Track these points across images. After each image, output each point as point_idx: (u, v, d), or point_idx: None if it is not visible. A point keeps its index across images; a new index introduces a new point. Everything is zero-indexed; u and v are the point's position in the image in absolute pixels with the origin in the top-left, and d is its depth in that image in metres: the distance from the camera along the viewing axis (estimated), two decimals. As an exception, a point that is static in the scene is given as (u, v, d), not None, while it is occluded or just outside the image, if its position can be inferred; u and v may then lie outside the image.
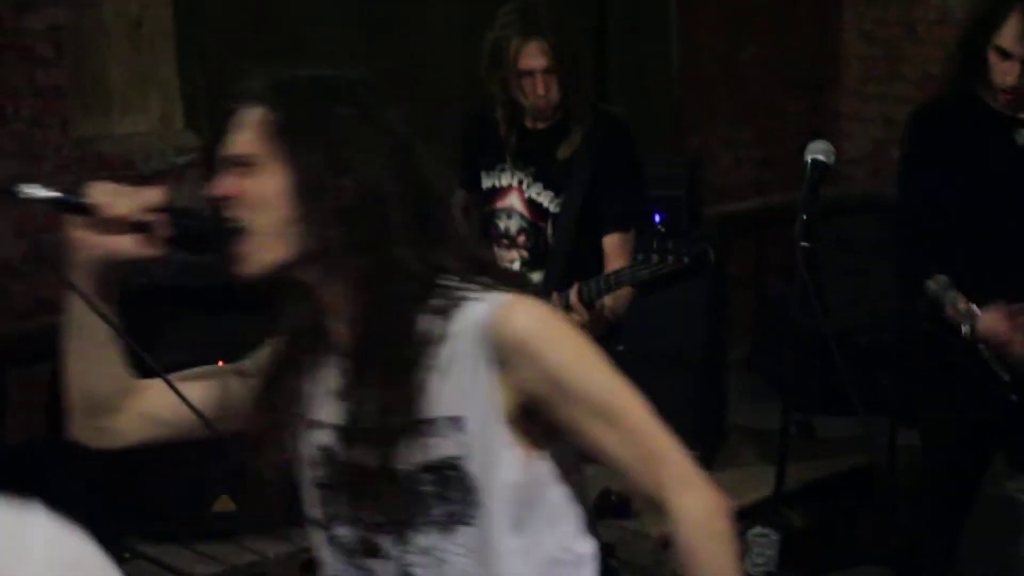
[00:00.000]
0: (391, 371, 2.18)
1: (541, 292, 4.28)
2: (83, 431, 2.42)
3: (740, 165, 7.86)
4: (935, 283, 4.37)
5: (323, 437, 2.30)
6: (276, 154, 2.19)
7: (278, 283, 2.27)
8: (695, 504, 2.19)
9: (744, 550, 3.51)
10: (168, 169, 5.82)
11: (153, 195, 2.23)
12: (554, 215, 4.55)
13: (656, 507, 2.22)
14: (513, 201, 4.62)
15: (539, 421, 2.22)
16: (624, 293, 4.37)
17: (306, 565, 4.99)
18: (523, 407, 2.20)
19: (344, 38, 6.27)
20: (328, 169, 2.17)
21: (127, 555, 4.89)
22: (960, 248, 4.38)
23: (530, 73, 4.41)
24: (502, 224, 4.63)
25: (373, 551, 2.28)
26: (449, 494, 2.21)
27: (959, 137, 4.34)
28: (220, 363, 2.44)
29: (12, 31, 5.47)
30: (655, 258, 4.13)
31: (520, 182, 4.59)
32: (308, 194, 2.17)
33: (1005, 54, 4.19)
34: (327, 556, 2.38)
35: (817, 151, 3.87)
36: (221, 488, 5.02)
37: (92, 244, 2.24)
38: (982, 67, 4.25)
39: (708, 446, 6.13)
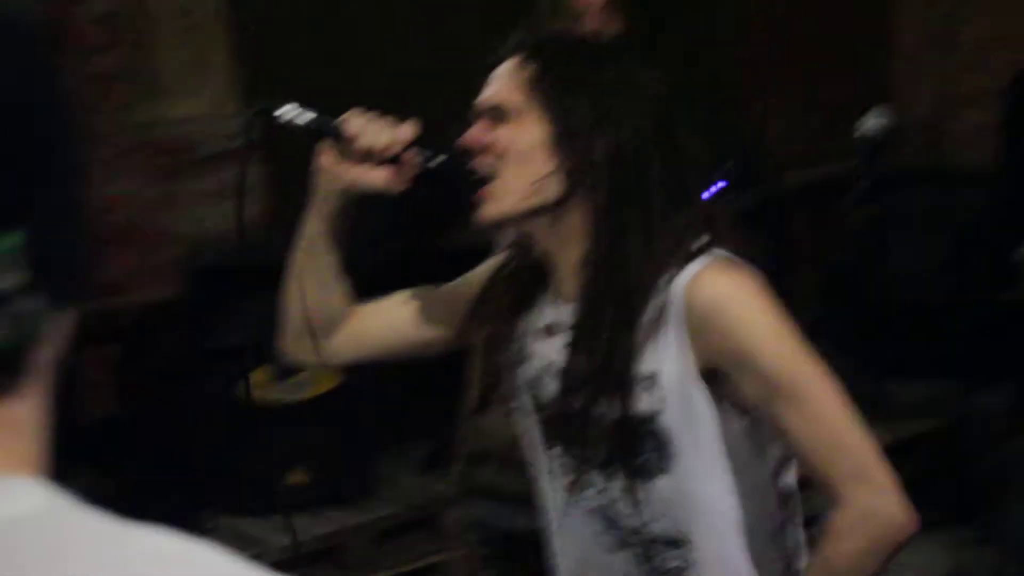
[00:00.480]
0: (613, 327, 2.19)
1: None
2: (298, 349, 2.49)
3: (794, 137, 7.80)
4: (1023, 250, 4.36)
5: (531, 372, 2.35)
6: (536, 105, 2.21)
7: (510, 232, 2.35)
8: (868, 500, 2.15)
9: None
10: (223, 152, 5.82)
11: (407, 131, 2.25)
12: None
13: (827, 496, 2.18)
14: None
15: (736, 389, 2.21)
16: None
17: (382, 535, 5.02)
18: (713, 372, 2.18)
19: (400, 17, 6.24)
20: (588, 123, 2.18)
21: (208, 526, 4.90)
22: None
23: (586, 8, 4.35)
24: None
25: (586, 481, 2.31)
26: (648, 445, 2.22)
27: None
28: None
29: (65, 19, 5.48)
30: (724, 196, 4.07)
31: None
32: (565, 147, 2.19)
33: None
34: (543, 482, 2.42)
35: (875, 121, 3.83)
36: (294, 460, 5.03)
37: (340, 173, 2.28)
38: None
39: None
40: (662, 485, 2.23)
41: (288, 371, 4.97)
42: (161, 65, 5.84)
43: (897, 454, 5.85)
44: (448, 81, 6.13)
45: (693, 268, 2.18)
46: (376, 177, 2.26)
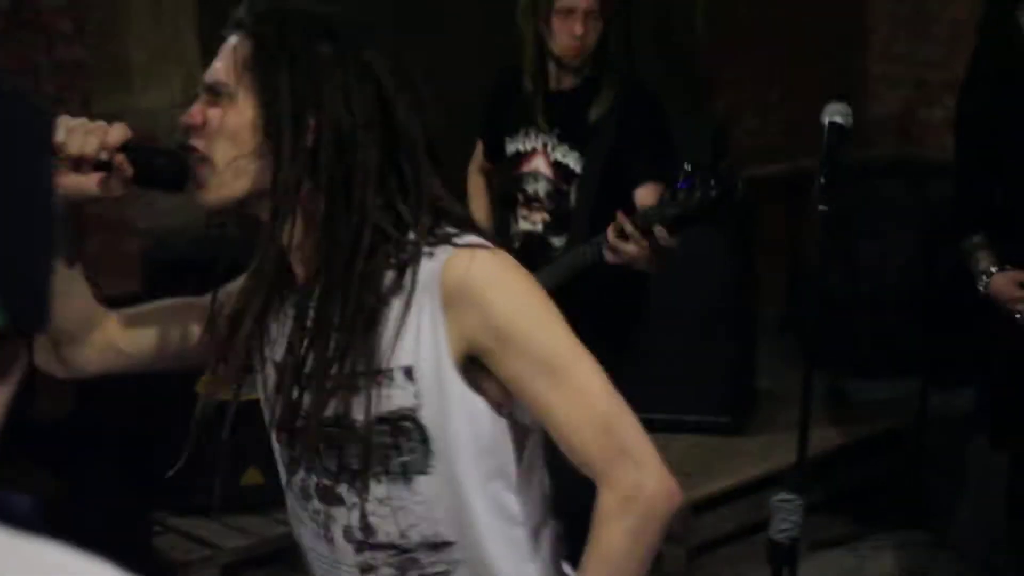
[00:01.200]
0: (346, 320, 2.14)
1: (512, 248, 4.23)
2: (48, 361, 2.40)
3: (767, 128, 7.81)
4: (968, 242, 4.41)
5: (270, 380, 2.30)
6: (247, 85, 2.16)
7: (241, 219, 2.25)
8: (634, 479, 2.10)
9: (770, 516, 3.49)
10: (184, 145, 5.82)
11: (117, 132, 2.18)
12: (578, 175, 4.50)
13: (591, 476, 2.14)
14: (538, 164, 4.57)
15: (492, 376, 2.16)
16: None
17: (226, 569, 4.98)
18: (470, 358, 2.14)
19: (376, 10, 6.23)
20: (294, 104, 2.13)
21: (158, 528, 4.91)
22: (1005, 210, 4.39)
23: (571, 11, 4.35)
24: (529, 188, 4.58)
25: (333, 498, 2.24)
26: (404, 445, 2.16)
27: (1005, 98, 4.30)
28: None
29: (32, 8, 5.46)
30: (681, 195, 4.05)
31: (545, 145, 4.54)
32: (271, 128, 2.13)
33: None
34: (290, 500, 2.35)
35: (835, 113, 3.82)
36: (249, 461, 5.02)
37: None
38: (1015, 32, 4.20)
39: (738, 412, 6.12)
40: (424, 485, 2.17)
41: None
42: (129, 54, 5.83)
43: (856, 454, 5.94)
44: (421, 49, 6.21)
45: (443, 253, 2.13)
46: (89, 184, 2.17)
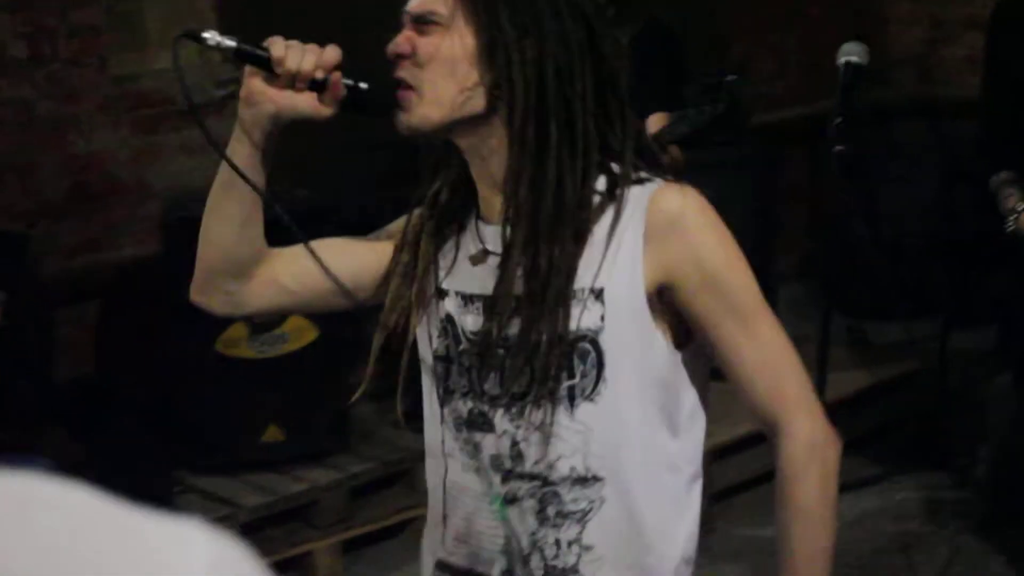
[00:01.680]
0: (551, 241, 2.15)
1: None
2: (210, 295, 2.37)
3: (786, 73, 7.77)
4: (996, 179, 4.38)
5: (451, 306, 2.29)
6: (461, 14, 2.17)
7: (434, 146, 2.29)
8: (810, 428, 2.18)
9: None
10: (208, 103, 5.82)
11: (332, 53, 2.21)
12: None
13: (764, 423, 2.21)
14: None
15: (678, 314, 2.19)
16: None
17: (356, 492, 5.04)
18: (663, 290, 2.16)
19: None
20: (513, 34, 2.16)
21: (178, 488, 4.94)
22: None
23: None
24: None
25: (485, 425, 2.24)
26: (578, 368, 2.17)
27: None
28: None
29: (46, -29, 5.47)
30: (691, 112, 4.07)
31: None
32: (489, 57, 2.16)
33: None
34: (435, 433, 2.33)
35: (850, 52, 3.81)
36: (270, 418, 5.06)
37: (267, 99, 2.21)
38: None
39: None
40: (586, 413, 2.18)
41: (264, 326, 5.00)
42: (144, 16, 5.83)
43: (878, 396, 5.94)
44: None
45: (652, 184, 2.18)
46: (303, 101, 2.20)
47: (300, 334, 5.06)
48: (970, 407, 5.83)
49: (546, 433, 2.19)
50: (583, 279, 2.15)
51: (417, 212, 2.34)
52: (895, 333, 6.24)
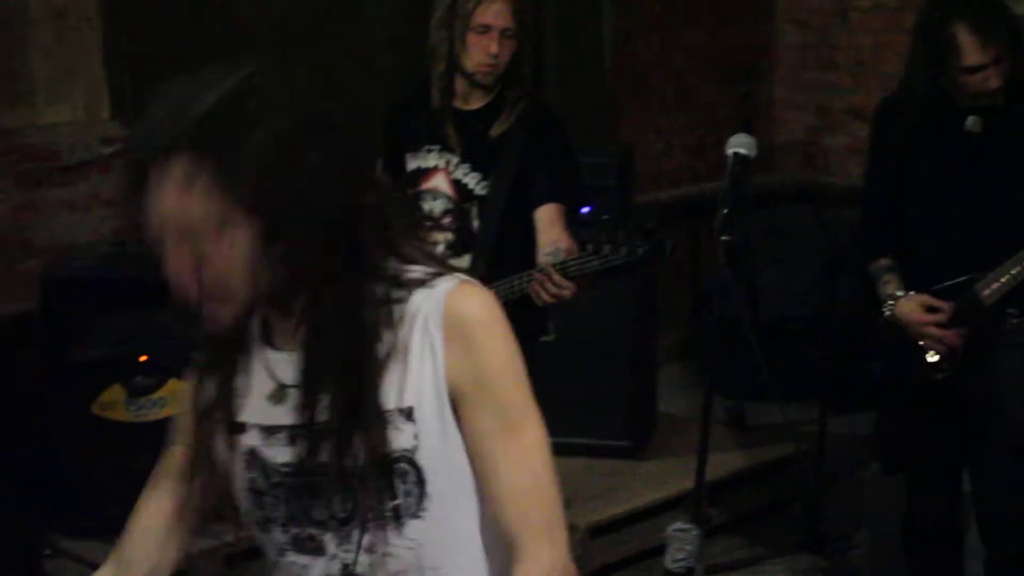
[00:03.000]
0: (347, 365, 2.07)
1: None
2: None
3: (673, 153, 7.85)
4: (875, 265, 4.46)
5: (253, 440, 2.19)
6: (230, 208, 1.97)
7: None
8: (549, 557, 2.12)
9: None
10: (93, 160, 5.76)
11: None
12: (480, 197, 4.51)
13: (508, 542, 2.14)
14: (439, 182, 4.55)
15: None
16: (565, 236, 4.36)
17: (230, 559, 4.96)
18: (453, 399, 2.11)
19: (278, 26, 6.21)
20: (288, 204, 2.00)
21: (48, 552, 4.85)
22: (912, 234, 4.44)
23: (487, 29, 4.35)
24: (427, 206, 4.56)
25: (315, 549, 2.18)
26: (399, 488, 2.11)
27: (915, 126, 4.34)
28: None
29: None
30: (606, 249, 4.08)
31: (447, 163, 4.54)
32: (277, 235, 2.01)
33: (967, 69, 4.17)
34: (268, 556, 2.29)
35: (738, 144, 3.87)
36: (145, 482, 4.96)
37: None
38: (941, 51, 4.23)
39: (638, 435, 6.13)
40: (414, 531, 2.14)
41: (142, 389, 4.94)
42: (31, 69, 5.77)
43: (756, 478, 5.97)
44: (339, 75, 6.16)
45: (442, 284, 2.10)
46: None
47: (178, 398, 4.98)
48: (847, 491, 5.89)
49: (378, 554, 2.16)
50: (389, 399, 2.08)
51: (190, 368, 2.27)
52: (773, 416, 6.28)
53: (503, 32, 4.36)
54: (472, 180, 4.51)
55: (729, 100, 8.00)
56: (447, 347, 2.08)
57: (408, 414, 2.09)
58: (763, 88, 8.22)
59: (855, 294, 5.15)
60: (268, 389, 2.18)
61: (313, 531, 2.18)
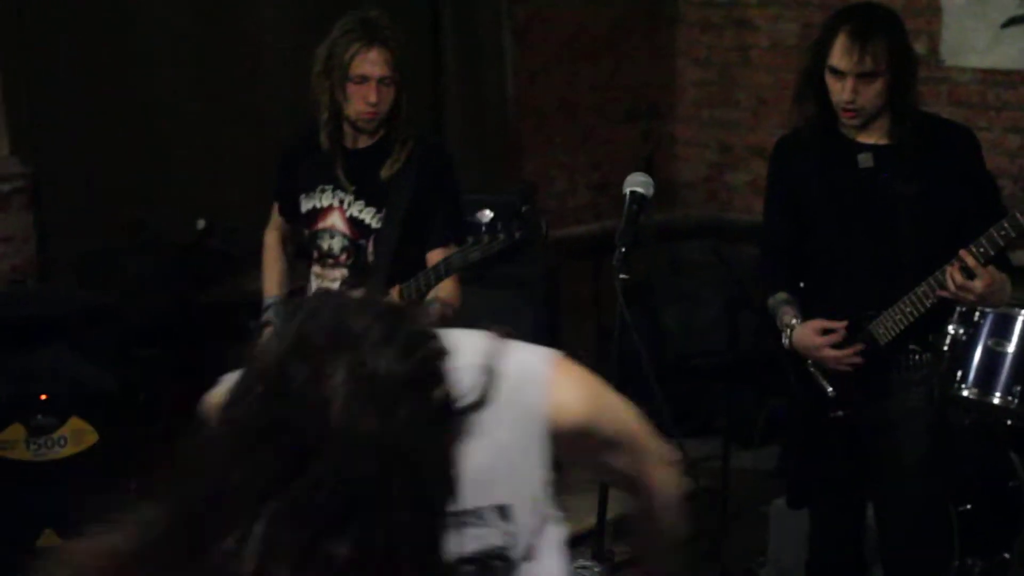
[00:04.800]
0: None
1: None
2: None
3: (576, 190, 7.88)
4: (773, 299, 4.51)
5: None
6: None
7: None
8: (664, 472, 2.36)
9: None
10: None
11: None
12: (376, 231, 4.55)
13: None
14: (335, 220, 4.62)
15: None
16: (450, 285, 4.40)
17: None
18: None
19: (171, 65, 6.18)
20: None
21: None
22: (811, 271, 4.51)
23: (365, 79, 4.43)
24: (324, 244, 4.62)
25: None
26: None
27: (809, 164, 4.39)
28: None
29: None
30: (485, 239, 4.15)
31: (341, 201, 4.60)
32: None
33: (837, 72, 4.24)
34: None
35: (635, 183, 3.89)
36: (45, 522, 4.92)
37: None
38: (824, 93, 4.29)
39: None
40: None
41: (42, 429, 4.89)
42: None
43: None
44: (218, 123, 6.16)
45: (532, 360, 2.10)
46: None
47: (79, 437, 4.96)
48: (751, 526, 5.91)
49: None
50: (484, 496, 2.02)
51: None
52: (678, 451, 6.30)
53: (380, 80, 4.45)
54: (368, 215, 4.57)
55: (631, 138, 8.05)
56: (555, 438, 2.10)
57: (503, 512, 2.07)
58: (665, 126, 8.27)
59: (757, 330, 5.19)
60: None
61: None
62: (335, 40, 4.48)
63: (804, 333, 4.41)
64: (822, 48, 4.28)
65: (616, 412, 2.26)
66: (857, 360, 4.37)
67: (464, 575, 2.03)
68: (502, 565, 2.07)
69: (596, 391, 2.19)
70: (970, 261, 4.13)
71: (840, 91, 4.25)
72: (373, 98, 4.44)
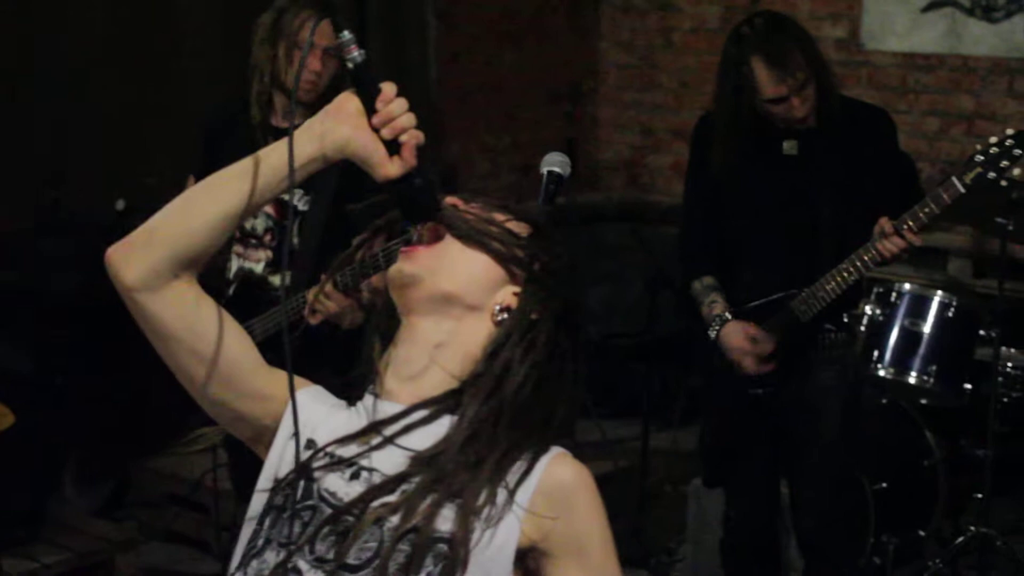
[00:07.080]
0: (480, 464, 2.08)
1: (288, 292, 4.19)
2: (136, 261, 2.13)
3: (499, 172, 7.89)
4: (700, 284, 4.51)
5: (316, 461, 2.14)
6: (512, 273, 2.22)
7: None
8: None
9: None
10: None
11: (420, 132, 2.15)
12: (302, 213, 4.48)
13: None
14: None
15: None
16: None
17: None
18: (531, 551, 2.08)
19: (90, 31, 6.13)
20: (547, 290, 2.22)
21: None
22: (731, 252, 4.53)
23: (312, 47, 4.36)
24: (248, 224, 4.53)
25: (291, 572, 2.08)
26: (425, 568, 2.02)
27: (733, 148, 4.41)
28: None
29: None
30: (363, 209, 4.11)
31: None
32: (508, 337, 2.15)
33: (775, 100, 4.26)
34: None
35: (552, 163, 3.87)
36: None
37: (352, 123, 2.15)
38: (745, 83, 4.31)
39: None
40: None
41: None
42: None
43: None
44: (137, 101, 6.12)
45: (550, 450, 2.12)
46: (376, 147, 2.12)
47: (-8, 421, 4.91)
48: (670, 506, 5.95)
49: None
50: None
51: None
52: (595, 432, 6.33)
53: (325, 51, 4.36)
54: (295, 196, 4.47)
55: (554, 120, 8.06)
56: (532, 513, 2.05)
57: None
58: (588, 108, 8.29)
59: (676, 310, 5.21)
60: (354, 424, 2.16)
61: (304, 566, 2.08)
62: (282, 7, 4.43)
63: (735, 333, 4.42)
64: (743, 83, 4.30)
65: (605, 531, 2.16)
66: (768, 367, 4.41)
67: (405, 540, 2.04)
68: (446, 558, 2.05)
69: (593, 483, 2.17)
70: (909, 233, 4.16)
71: (787, 112, 4.28)
72: (317, 66, 4.35)
